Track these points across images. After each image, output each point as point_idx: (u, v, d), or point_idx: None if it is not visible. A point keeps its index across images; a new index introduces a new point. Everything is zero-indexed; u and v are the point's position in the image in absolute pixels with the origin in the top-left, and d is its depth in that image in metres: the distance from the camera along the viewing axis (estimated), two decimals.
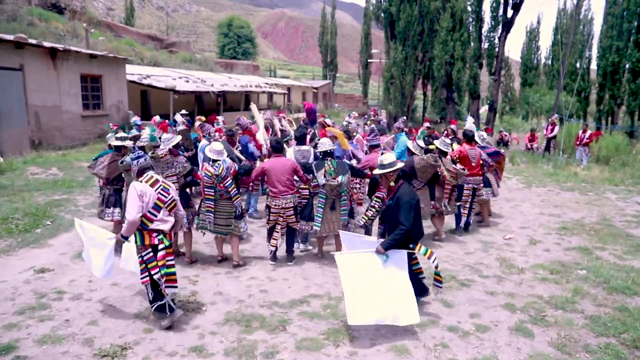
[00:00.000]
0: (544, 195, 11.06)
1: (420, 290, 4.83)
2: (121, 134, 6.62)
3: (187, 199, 6.16)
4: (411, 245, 4.60)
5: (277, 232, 6.12)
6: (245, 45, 51.31)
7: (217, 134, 8.88)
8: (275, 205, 6.02)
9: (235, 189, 5.87)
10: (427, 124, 10.46)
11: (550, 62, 38.78)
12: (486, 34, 24.84)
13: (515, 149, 19.60)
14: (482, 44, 25.20)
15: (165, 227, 4.37)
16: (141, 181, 4.36)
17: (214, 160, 5.72)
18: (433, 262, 4.64)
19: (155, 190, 4.33)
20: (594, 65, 32.13)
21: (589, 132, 16.25)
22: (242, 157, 8.10)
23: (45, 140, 14.05)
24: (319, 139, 6.72)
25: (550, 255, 6.77)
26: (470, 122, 9.67)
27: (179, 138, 6.26)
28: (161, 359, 3.95)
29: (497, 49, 24.31)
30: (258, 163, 8.00)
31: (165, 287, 4.33)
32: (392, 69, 29.01)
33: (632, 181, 12.88)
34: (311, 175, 6.23)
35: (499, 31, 24.18)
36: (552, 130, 17.51)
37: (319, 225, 6.08)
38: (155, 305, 4.37)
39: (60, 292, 5.15)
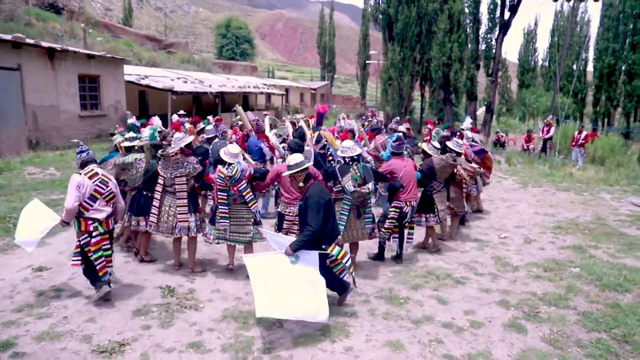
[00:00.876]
0: (539, 195, 11.14)
1: (340, 288, 4.86)
2: (131, 134, 6.44)
3: (195, 203, 5.83)
4: (324, 246, 4.53)
5: None
6: (243, 46, 51.40)
7: (233, 135, 8.75)
8: (290, 212, 5.61)
9: (250, 193, 5.53)
10: (429, 126, 10.47)
11: (547, 64, 39.00)
12: (483, 35, 24.91)
13: (511, 150, 19.69)
14: (480, 45, 25.28)
15: (100, 216, 4.80)
16: (81, 173, 4.78)
17: (229, 163, 5.46)
18: (346, 262, 4.62)
19: (93, 182, 4.76)
20: (590, 67, 32.39)
21: (584, 133, 16.36)
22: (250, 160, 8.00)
23: (42, 140, 14.08)
24: (342, 143, 6.14)
25: (544, 254, 6.84)
26: (468, 122, 9.73)
27: (191, 138, 5.98)
28: (159, 355, 3.99)
29: (494, 51, 24.40)
30: (268, 165, 7.72)
31: (107, 266, 4.84)
32: (389, 70, 29.09)
33: (627, 182, 13.00)
34: (331, 181, 5.79)
35: (496, 33, 24.26)
36: (548, 132, 17.62)
37: (342, 233, 5.58)
38: (93, 282, 4.86)
39: (58, 290, 5.19)
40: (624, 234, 7.85)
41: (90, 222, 4.75)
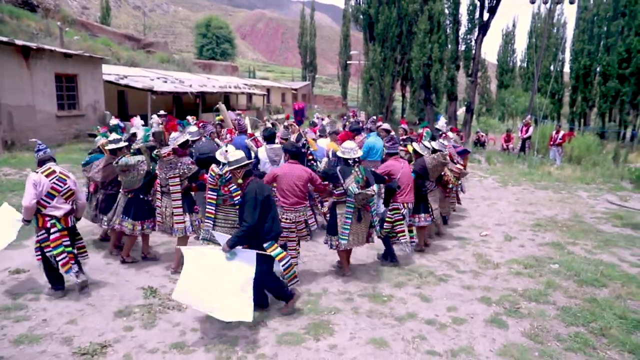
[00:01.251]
0: (519, 194, 11.34)
1: (285, 295, 4.76)
2: (114, 136, 6.23)
3: (191, 203, 5.75)
4: (265, 245, 4.48)
5: (293, 249, 5.43)
6: (223, 46, 51.01)
7: (229, 135, 8.59)
8: (287, 219, 5.36)
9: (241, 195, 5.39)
10: (404, 126, 10.48)
11: (525, 65, 39.71)
12: (463, 36, 25.27)
13: (491, 149, 19.99)
14: (459, 46, 25.63)
15: (58, 213, 4.86)
16: (37, 172, 4.84)
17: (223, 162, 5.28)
18: (282, 266, 4.58)
19: (50, 180, 4.81)
20: (567, 69, 33.08)
21: (562, 133, 16.73)
22: None
23: (18, 141, 13.76)
24: (343, 144, 5.91)
25: (524, 251, 6.97)
26: (442, 122, 9.75)
27: (186, 137, 5.85)
28: (142, 356, 3.94)
29: (473, 51, 24.76)
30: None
31: (72, 263, 4.94)
32: (371, 71, 29.28)
33: (602, 180, 13.32)
34: (331, 184, 5.64)
35: (476, 34, 24.62)
36: (526, 131, 17.95)
37: (347, 238, 5.49)
38: (51, 283, 5.02)
39: (37, 293, 5.07)
40: (601, 231, 8.05)
41: (48, 219, 4.82)
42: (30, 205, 4.70)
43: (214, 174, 5.15)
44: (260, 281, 4.55)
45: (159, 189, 5.62)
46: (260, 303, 4.73)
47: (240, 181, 4.69)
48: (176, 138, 5.65)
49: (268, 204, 4.55)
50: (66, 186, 4.92)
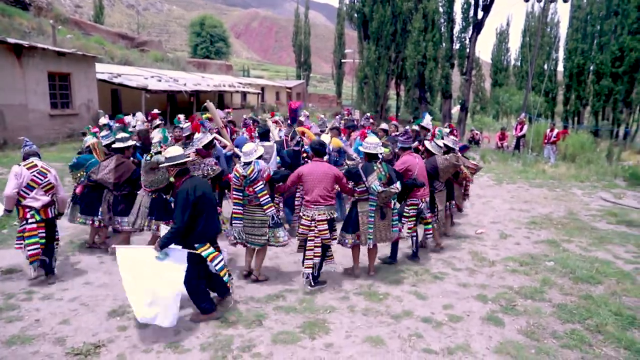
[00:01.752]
0: (514, 192, 11.36)
1: (221, 289, 4.79)
2: (122, 134, 6.13)
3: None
4: (196, 245, 4.39)
5: (311, 249, 5.26)
6: (218, 44, 50.83)
7: (246, 134, 8.44)
8: (306, 216, 5.27)
9: (267, 196, 5.20)
10: (394, 123, 10.34)
11: (519, 63, 39.77)
12: (457, 34, 25.27)
13: (486, 148, 20.03)
14: (454, 44, 25.65)
15: (37, 204, 5.14)
16: (20, 165, 5.16)
17: (246, 162, 5.20)
18: (215, 266, 4.51)
19: (31, 173, 5.11)
20: (560, 67, 33.19)
21: (556, 131, 16.78)
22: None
23: (11, 140, 13.63)
24: (366, 139, 5.75)
25: (520, 248, 6.97)
26: (427, 119, 9.61)
27: (210, 137, 5.81)
28: (136, 356, 3.90)
29: (468, 50, 24.77)
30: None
31: (40, 257, 5.20)
32: (365, 69, 29.28)
33: (597, 177, 13.38)
34: (352, 182, 5.56)
35: (470, 32, 24.64)
36: (521, 129, 17.97)
37: (372, 236, 5.45)
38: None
39: (29, 293, 5.02)
40: (595, 228, 8.07)
41: (27, 209, 5.12)
42: (10, 194, 5.00)
43: (238, 175, 5.14)
44: (215, 277, 4.58)
45: None
46: (222, 294, 4.81)
47: (172, 179, 4.60)
48: (200, 139, 5.61)
49: (203, 202, 4.36)
50: (46, 179, 5.19)
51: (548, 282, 5.59)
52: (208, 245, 4.46)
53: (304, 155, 6.98)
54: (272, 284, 5.47)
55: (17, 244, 5.23)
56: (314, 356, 3.96)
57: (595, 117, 29.64)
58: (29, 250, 5.10)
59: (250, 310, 4.75)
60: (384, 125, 9.85)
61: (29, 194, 5.11)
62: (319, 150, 5.47)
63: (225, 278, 4.61)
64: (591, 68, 29.00)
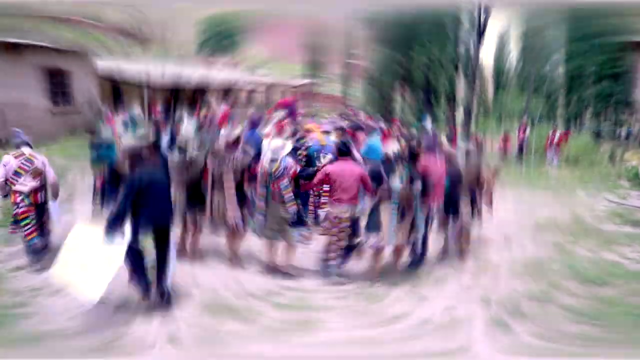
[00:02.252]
0: (517, 194, 11.28)
1: (141, 285, 4.66)
2: (142, 131, 6.40)
3: (242, 198, 5.63)
4: (140, 235, 4.41)
5: (333, 244, 5.36)
6: (225, 42, 50.64)
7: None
8: (330, 213, 5.36)
9: (291, 193, 5.28)
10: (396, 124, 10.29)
11: (521, 66, 39.63)
12: (462, 38, 25.26)
13: (488, 151, 19.93)
14: (459, 47, 25.63)
15: (25, 189, 5.49)
16: (9, 154, 5.60)
17: (272, 158, 5.28)
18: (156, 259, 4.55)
19: (18, 160, 5.51)
20: (561, 69, 33.11)
21: (558, 134, 16.76)
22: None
23: (12, 138, 13.54)
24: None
25: (524, 251, 6.93)
26: (428, 122, 9.51)
27: (238, 131, 5.99)
28: (140, 351, 3.91)
29: (472, 53, 24.73)
30: None
31: (36, 233, 5.60)
32: (372, 71, 29.24)
33: (600, 179, 13.29)
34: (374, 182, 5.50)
35: (475, 35, 24.60)
36: (524, 132, 17.96)
37: (395, 236, 5.46)
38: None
39: (36, 290, 4.99)
40: (601, 229, 8.04)
41: (17, 194, 5.50)
42: None
43: (263, 171, 5.18)
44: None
45: (209, 183, 5.56)
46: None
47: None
48: (227, 134, 5.70)
49: (145, 191, 4.33)
50: (33, 166, 5.56)
51: (554, 284, 5.52)
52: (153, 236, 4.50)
53: (305, 154, 6.86)
54: (272, 281, 5.45)
55: (11, 228, 5.67)
56: (311, 355, 3.94)
57: (596, 119, 29.55)
58: (25, 230, 5.53)
59: (248, 306, 4.75)
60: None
61: (17, 180, 5.49)
62: (343, 149, 5.47)
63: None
64: (592, 70, 28.90)
